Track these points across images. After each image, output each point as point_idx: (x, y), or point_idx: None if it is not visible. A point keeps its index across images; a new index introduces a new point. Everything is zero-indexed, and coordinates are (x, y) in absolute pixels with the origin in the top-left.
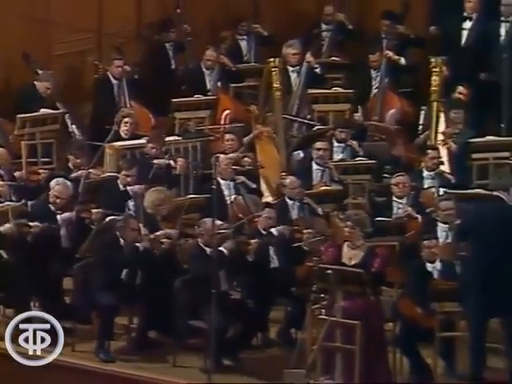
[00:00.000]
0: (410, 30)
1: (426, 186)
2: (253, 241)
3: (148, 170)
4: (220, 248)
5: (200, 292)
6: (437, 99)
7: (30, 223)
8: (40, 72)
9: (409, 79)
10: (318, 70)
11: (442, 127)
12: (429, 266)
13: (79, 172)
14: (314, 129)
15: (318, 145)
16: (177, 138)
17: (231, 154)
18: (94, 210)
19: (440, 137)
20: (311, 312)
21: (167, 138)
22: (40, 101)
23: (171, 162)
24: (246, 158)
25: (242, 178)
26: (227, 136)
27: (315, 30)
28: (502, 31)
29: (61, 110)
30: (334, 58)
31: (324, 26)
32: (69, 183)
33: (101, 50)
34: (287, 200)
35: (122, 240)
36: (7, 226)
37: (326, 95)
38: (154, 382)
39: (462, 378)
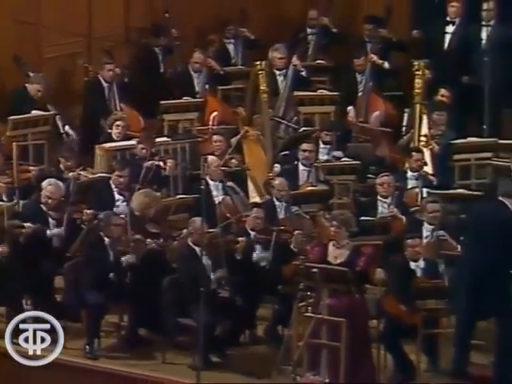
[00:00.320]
0: (393, 33)
1: (409, 187)
2: (240, 239)
3: (138, 170)
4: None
5: (188, 290)
6: (420, 101)
7: (23, 224)
8: (31, 74)
9: (392, 82)
10: (303, 73)
11: (424, 129)
12: (412, 265)
13: (70, 174)
14: (300, 130)
15: (304, 146)
16: (166, 139)
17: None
18: (85, 211)
19: (423, 138)
20: (297, 310)
21: (157, 140)
22: (31, 103)
23: (161, 163)
24: (233, 160)
25: (232, 184)
26: (215, 137)
27: (301, 34)
28: (484, 35)
29: (52, 112)
30: (319, 61)
31: (309, 30)
32: (61, 184)
33: (91, 53)
34: (275, 200)
35: (106, 239)
36: None
37: (311, 97)
38: (144, 379)
39: (444, 373)
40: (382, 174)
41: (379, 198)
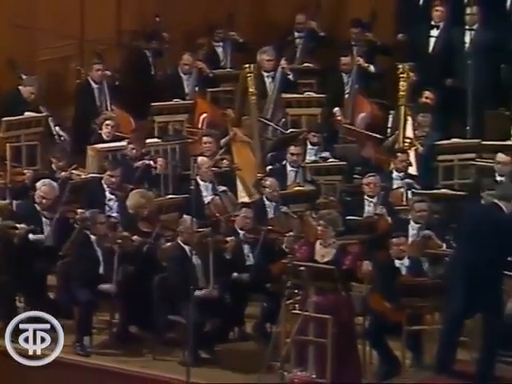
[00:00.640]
0: (379, 37)
1: (394, 187)
2: (229, 238)
3: (129, 170)
4: None
5: (178, 289)
6: (404, 103)
7: (17, 225)
8: (24, 77)
9: (378, 85)
10: (291, 76)
11: (409, 130)
12: (397, 263)
13: (63, 173)
14: (288, 132)
15: (292, 150)
16: (156, 140)
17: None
18: (78, 210)
19: (408, 139)
20: (285, 307)
21: (147, 141)
22: (24, 105)
23: (151, 162)
24: (224, 160)
25: (224, 188)
26: (205, 139)
27: (288, 38)
28: (467, 39)
29: (44, 114)
30: (306, 65)
31: (297, 34)
32: (55, 184)
33: (83, 56)
34: (265, 200)
35: (92, 236)
36: None
37: (299, 100)
38: (135, 375)
39: (428, 369)
40: (369, 174)
41: (366, 197)
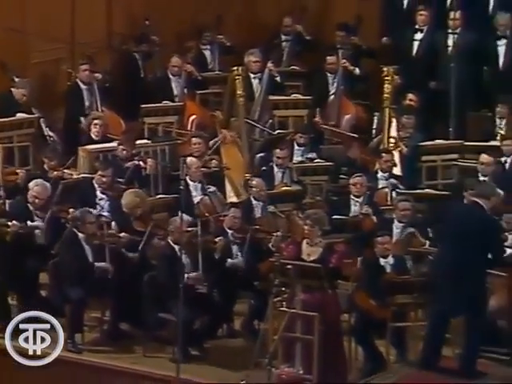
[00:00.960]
0: (364, 41)
1: (379, 187)
2: (218, 239)
3: (120, 171)
4: None
5: (168, 287)
6: (389, 105)
7: (9, 223)
8: (16, 79)
9: (363, 87)
10: (278, 79)
11: (393, 131)
12: (382, 261)
13: (54, 173)
14: (275, 133)
15: (278, 153)
16: (146, 141)
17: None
18: (70, 210)
19: (392, 140)
20: (273, 304)
21: (137, 142)
22: (16, 106)
23: (141, 162)
24: (213, 161)
25: (213, 188)
26: (194, 140)
27: (275, 40)
28: (450, 43)
29: (36, 115)
30: (293, 67)
31: (283, 37)
32: (47, 184)
33: (74, 59)
34: (252, 200)
35: (80, 234)
36: None
37: (285, 101)
38: (126, 371)
39: (412, 364)
40: (356, 174)
41: (352, 197)
